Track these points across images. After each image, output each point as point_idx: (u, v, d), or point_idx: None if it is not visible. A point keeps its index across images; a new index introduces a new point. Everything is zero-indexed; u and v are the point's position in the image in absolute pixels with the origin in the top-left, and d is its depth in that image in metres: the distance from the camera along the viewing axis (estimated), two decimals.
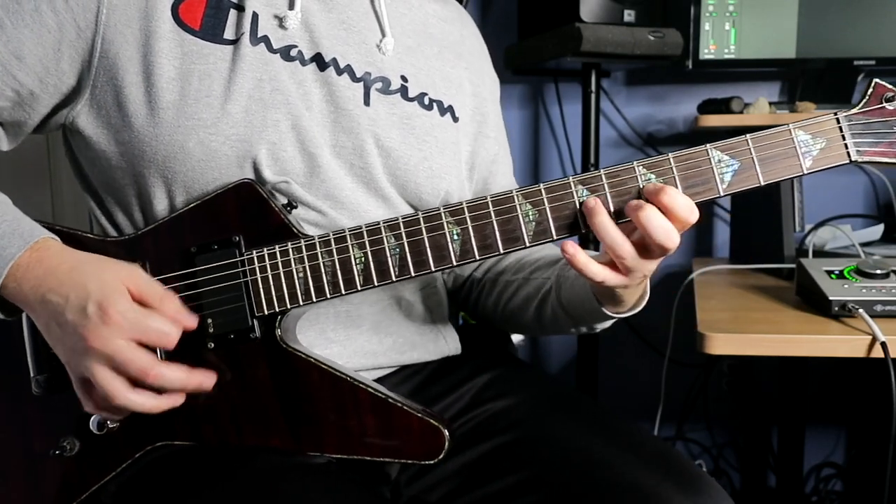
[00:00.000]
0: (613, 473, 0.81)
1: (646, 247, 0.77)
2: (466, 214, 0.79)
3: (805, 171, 0.78)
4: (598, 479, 0.80)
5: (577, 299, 0.90)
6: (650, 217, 0.74)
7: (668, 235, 0.74)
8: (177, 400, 0.78)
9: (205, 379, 0.79)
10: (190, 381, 0.78)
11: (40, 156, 1.92)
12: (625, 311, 0.88)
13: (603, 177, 0.78)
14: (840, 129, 0.78)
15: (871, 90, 0.78)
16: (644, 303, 0.89)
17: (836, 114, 0.78)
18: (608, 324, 0.93)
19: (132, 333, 0.74)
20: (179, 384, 0.77)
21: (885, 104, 0.78)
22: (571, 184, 0.78)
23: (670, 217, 0.74)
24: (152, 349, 0.76)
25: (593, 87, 1.71)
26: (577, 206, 0.78)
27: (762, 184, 0.78)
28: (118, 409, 0.77)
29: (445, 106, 0.98)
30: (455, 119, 1.00)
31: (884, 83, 0.78)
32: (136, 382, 0.75)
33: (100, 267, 0.77)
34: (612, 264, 0.79)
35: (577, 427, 0.88)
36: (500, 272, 1.05)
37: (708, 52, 1.72)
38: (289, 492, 0.75)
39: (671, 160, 0.77)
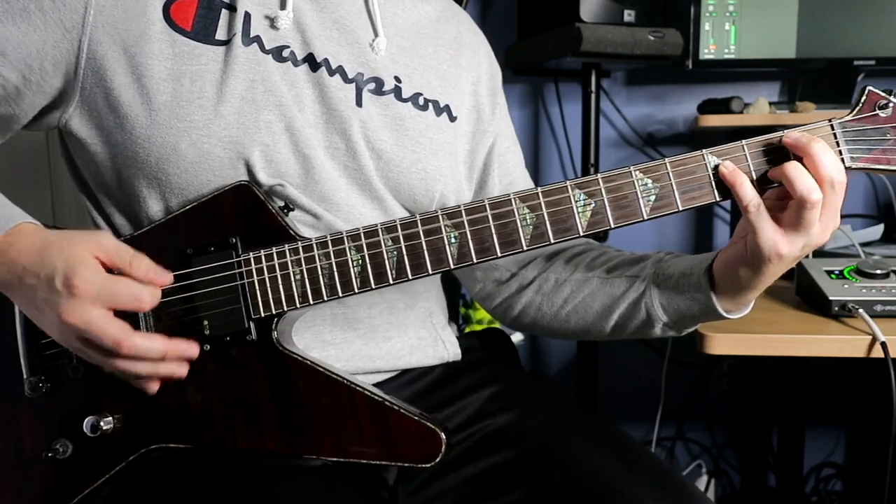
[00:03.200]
0: (615, 492, 0.81)
1: (789, 217, 0.76)
2: (464, 218, 0.79)
3: None
4: (600, 498, 0.80)
5: (685, 300, 0.88)
6: (791, 167, 0.74)
7: (809, 189, 0.74)
8: (174, 368, 0.78)
9: (187, 347, 0.79)
10: (169, 350, 0.77)
11: (40, 156, 1.92)
12: (737, 311, 0.87)
13: (600, 181, 0.78)
14: (834, 135, 0.78)
15: (864, 98, 0.79)
16: (753, 304, 0.88)
17: (830, 121, 0.78)
18: (696, 327, 0.92)
19: (102, 301, 0.74)
20: (157, 353, 0.76)
21: (878, 111, 0.78)
22: (568, 188, 0.78)
23: (814, 174, 0.75)
24: (137, 326, 0.76)
25: (593, 87, 1.71)
26: (711, 172, 0.78)
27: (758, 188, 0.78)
28: (129, 377, 0.78)
29: (441, 106, 0.98)
30: (452, 119, 0.99)
31: (877, 91, 0.79)
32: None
33: (67, 241, 0.76)
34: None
35: (581, 443, 0.88)
36: (564, 270, 1.00)
37: (708, 52, 1.72)
38: (284, 494, 0.75)
39: (667, 165, 0.78)
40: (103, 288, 0.74)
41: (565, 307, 0.99)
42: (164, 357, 0.77)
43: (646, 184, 0.77)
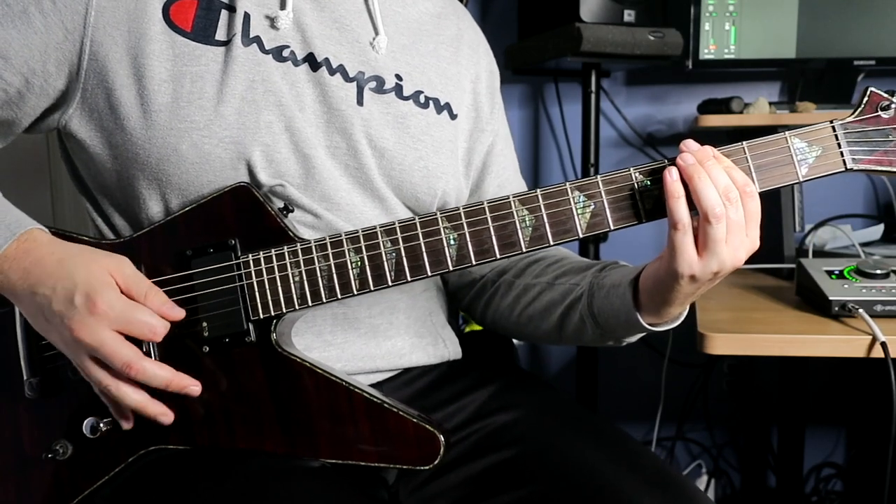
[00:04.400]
0: (614, 493, 0.80)
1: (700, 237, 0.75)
2: (463, 220, 0.79)
3: (801, 179, 0.78)
4: (599, 498, 0.80)
5: (612, 310, 0.87)
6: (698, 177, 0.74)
7: (713, 204, 0.73)
8: (164, 410, 0.79)
9: (190, 383, 0.79)
10: (174, 381, 0.78)
11: (40, 156, 1.92)
12: (663, 325, 0.85)
13: (599, 183, 0.78)
14: (836, 137, 0.78)
15: (866, 98, 0.78)
16: (682, 318, 0.86)
17: (832, 122, 0.78)
18: (635, 338, 0.90)
19: (118, 325, 0.75)
20: (162, 381, 0.77)
21: (880, 112, 0.78)
22: (568, 189, 0.78)
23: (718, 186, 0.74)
24: (140, 347, 0.77)
25: (593, 87, 1.71)
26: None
27: (757, 191, 0.77)
28: (114, 400, 0.78)
29: (442, 103, 0.97)
30: (452, 116, 0.99)
31: (879, 92, 0.78)
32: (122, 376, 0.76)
33: (87, 258, 0.78)
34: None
35: (580, 443, 0.88)
36: (518, 275, 1.02)
37: (708, 52, 1.72)
38: (283, 495, 0.75)
39: (667, 166, 0.77)
40: (122, 313, 0.75)
41: (515, 310, 0.99)
42: (168, 386, 0.78)
43: (645, 184, 0.77)
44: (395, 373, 0.96)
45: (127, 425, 0.81)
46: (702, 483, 2.05)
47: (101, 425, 0.81)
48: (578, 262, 0.98)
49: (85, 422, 0.81)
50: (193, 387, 0.80)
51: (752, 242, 0.77)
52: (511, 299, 1.00)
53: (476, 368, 1.01)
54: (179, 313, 0.79)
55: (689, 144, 0.77)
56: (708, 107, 1.71)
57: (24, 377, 0.84)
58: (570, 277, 0.95)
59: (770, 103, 1.65)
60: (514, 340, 1.19)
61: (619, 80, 1.98)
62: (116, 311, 0.75)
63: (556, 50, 1.60)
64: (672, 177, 0.75)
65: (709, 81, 1.92)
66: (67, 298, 0.74)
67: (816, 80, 1.77)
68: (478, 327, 1.14)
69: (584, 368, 1.81)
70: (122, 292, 0.77)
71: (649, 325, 0.84)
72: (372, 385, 0.89)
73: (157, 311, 0.77)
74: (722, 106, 1.65)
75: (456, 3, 1.08)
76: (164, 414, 0.80)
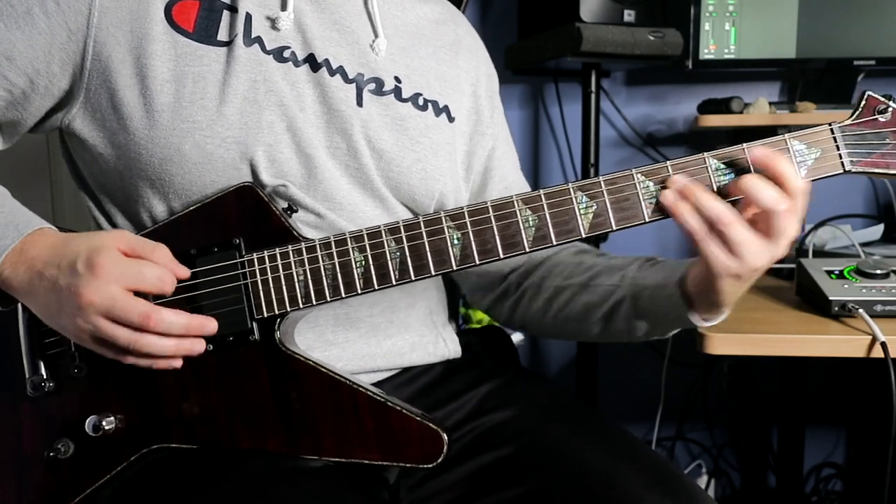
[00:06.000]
0: (614, 489, 0.81)
1: (755, 224, 0.76)
2: (467, 219, 0.79)
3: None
4: (599, 495, 0.80)
5: (661, 310, 0.88)
6: (752, 181, 0.74)
7: (776, 199, 0.73)
8: (194, 343, 0.79)
9: (207, 322, 0.79)
10: (192, 324, 0.78)
11: (40, 156, 1.92)
12: (713, 319, 0.87)
13: (602, 184, 0.78)
14: (834, 139, 0.79)
15: (863, 102, 0.79)
16: (729, 310, 0.86)
17: (830, 125, 0.79)
18: (677, 330, 0.92)
19: (125, 282, 0.74)
20: (182, 326, 0.77)
21: (877, 116, 0.79)
22: (571, 190, 0.79)
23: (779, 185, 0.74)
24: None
25: (593, 87, 1.71)
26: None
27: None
28: (141, 355, 0.77)
29: (441, 106, 0.98)
30: (451, 119, 0.99)
31: (876, 95, 0.79)
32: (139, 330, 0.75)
33: (90, 234, 0.78)
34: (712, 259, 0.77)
35: (579, 440, 0.88)
36: (545, 276, 1.02)
37: (708, 52, 1.72)
38: (285, 494, 0.75)
39: (669, 168, 0.78)
40: (127, 269, 0.75)
41: (549, 312, 1.00)
42: (188, 330, 0.78)
43: (647, 186, 0.78)
44: (395, 372, 0.97)
45: (176, 363, 0.79)
46: (702, 483, 2.05)
47: (104, 424, 0.81)
48: (608, 260, 0.98)
49: (87, 420, 0.81)
50: (211, 324, 0.79)
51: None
52: (542, 302, 1.01)
53: (475, 366, 1.02)
54: (185, 271, 0.80)
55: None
56: (708, 107, 1.71)
57: (27, 375, 0.84)
58: (605, 278, 0.95)
59: (770, 103, 1.65)
60: (514, 338, 1.20)
61: (619, 80, 1.99)
62: (122, 268, 0.74)
63: (556, 50, 1.60)
64: (668, 199, 0.77)
65: (709, 81, 1.92)
66: (71, 269, 0.74)
67: (816, 80, 1.78)
68: (477, 327, 1.14)
69: (583, 368, 1.81)
70: (127, 256, 0.76)
71: (704, 319, 0.86)
72: (372, 384, 0.89)
73: (165, 266, 0.77)
74: (722, 106, 1.65)
75: (454, 9, 1.09)
76: (195, 345, 0.79)
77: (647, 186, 0.78)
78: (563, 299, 0.98)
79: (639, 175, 0.78)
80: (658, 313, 0.89)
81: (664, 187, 0.77)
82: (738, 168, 0.78)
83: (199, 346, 0.79)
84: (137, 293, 0.75)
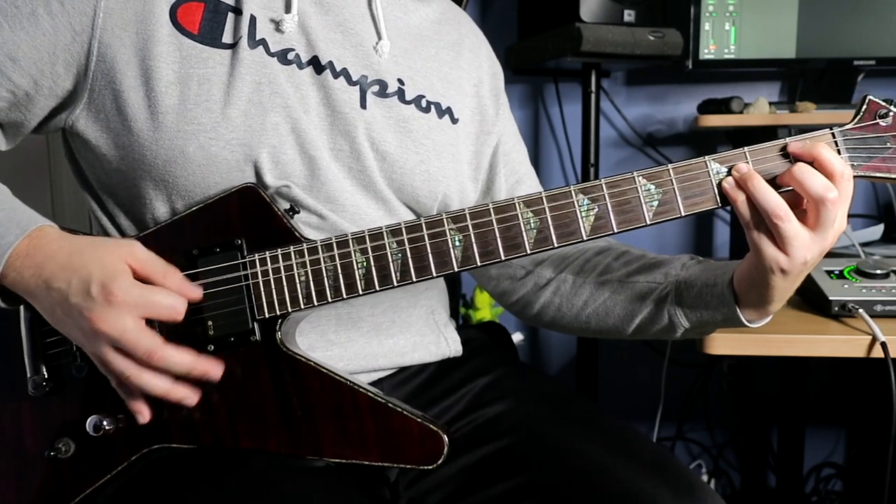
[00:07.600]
0: (611, 479, 0.81)
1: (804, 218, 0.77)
2: (468, 221, 0.79)
3: None
4: (596, 485, 0.81)
5: (708, 310, 0.88)
6: (803, 169, 0.75)
7: (826, 187, 0.74)
8: (188, 393, 0.78)
9: (211, 367, 0.79)
10: (196, 366, 0.77)
11: (40, 156, 1.92)
12: (759, 321, 0.87)
13: (603, 186, 0.78)
14: (836, 143, 0.79)
15: (864, 107, 0.80)
16: (775, 310, 0.86)
17: (832, 129, 0.79)
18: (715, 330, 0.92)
19: (138, 311, 0.74)
20: (185, 367, 0.77)
21: (878, 120, 0.79)
22: (572, 192, 0.79)
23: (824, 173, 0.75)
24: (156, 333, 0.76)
25: (593, 87, 1.71)
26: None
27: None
28: (135, 390, 0.78)
29: (444, 107, 0.98)
30: (454, 120, 0.99)
31: (876, 100, 0.80)
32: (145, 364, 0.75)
33: (99, 248, 0.77)
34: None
35: (576, 431, 0.88)
36: (577, 272, 1.00)
37: (708, 52, 1.72)
38: (286, 494, 0.75)
39: (670, 171, 0.79)
40: (140, 298, 0.74)
41: (585, 310, 0.99)
42: (191, 372, 0.78)
43: (649, 189, 0.78)
44: (394, 371, 0.97)
45: (143, 418, 0.80)
46: None
47: (105, 424, 0.81)
48: (641, 256, 0.98)
49: (88, 420, 0.81)
50: (215, 370, 0.79)
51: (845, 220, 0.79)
52: (581, 301, 0.99)
53: (471, 360, 1.02)
54: (197, 292, 0.79)
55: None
56: (708, 107, 1.71)
57: (28, 375, 0.84)
58: (645, 275, 0.95)
59: (770, 103, 1.65)
60: (514, 338, 1.19)
61: (619, 80, 1.99)
62: (135, 297, 0.74)
63: (556, 50, 1.60)
64: (729, 185, 0.78)
65: (709, 81, 1.92)
66: (84, 290, 0.74)
67: (816, 80, 1.78)
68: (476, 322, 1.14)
69: (584, 369, 1.82)
70: (138, 277, 0.76)
71: (748, 321, 0.86)
72: (371, 383, 0.90)
73: (176, 291, 0.77)
74: (722, 106, 1.65)
75: (456, 8, 1.08)
76: (188, 397, 0.79)
77: (649, 189, 0.78)
78: (602, 297, 0.97)
79: (640, 178, 0.79)
80: (704, 313, 0.88)
81: (664, 189, 0.78)
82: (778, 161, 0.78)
83: (191, 399, 0.79)
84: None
